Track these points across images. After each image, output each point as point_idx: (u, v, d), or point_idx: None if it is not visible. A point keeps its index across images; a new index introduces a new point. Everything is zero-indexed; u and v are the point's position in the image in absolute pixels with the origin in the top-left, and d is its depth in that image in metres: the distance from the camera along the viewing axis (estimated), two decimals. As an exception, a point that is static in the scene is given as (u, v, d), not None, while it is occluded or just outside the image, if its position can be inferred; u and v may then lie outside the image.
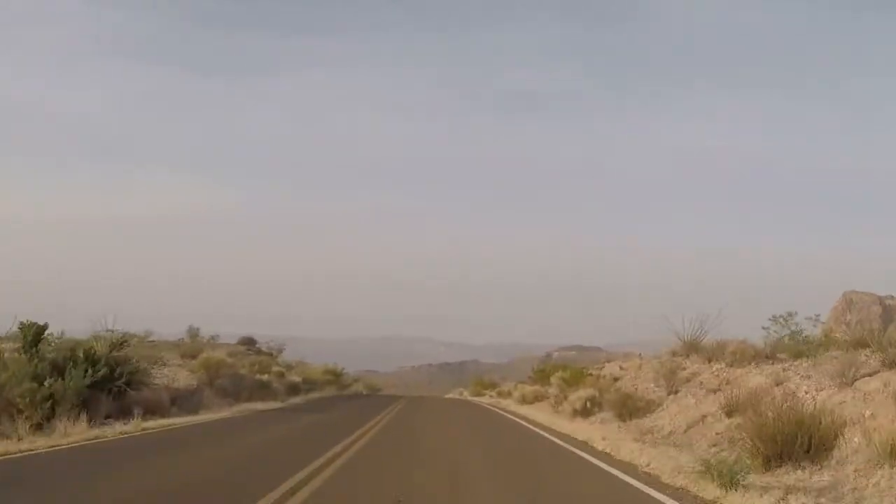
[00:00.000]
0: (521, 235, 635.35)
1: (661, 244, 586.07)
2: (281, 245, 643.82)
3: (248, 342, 52.84)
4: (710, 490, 10.59)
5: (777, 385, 19.28)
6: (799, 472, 12.10)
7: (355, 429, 19.44)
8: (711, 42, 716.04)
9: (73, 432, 16.15)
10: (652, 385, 28.78)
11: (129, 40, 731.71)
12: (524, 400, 38.15)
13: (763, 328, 27.57)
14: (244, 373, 36.06)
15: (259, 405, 28.87)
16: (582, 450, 17.12)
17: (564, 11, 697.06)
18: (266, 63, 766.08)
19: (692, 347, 30.33)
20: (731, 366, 25.48)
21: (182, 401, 27.58)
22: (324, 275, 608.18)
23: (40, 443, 14.82)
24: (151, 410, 23.71)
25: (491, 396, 60.32)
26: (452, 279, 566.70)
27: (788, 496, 10.30)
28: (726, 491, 10.42)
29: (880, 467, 11.34)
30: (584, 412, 28.25)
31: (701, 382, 25.27)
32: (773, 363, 23.12)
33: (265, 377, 37.11)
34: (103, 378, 20.79)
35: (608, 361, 40.75)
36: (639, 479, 12.00)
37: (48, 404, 17.73)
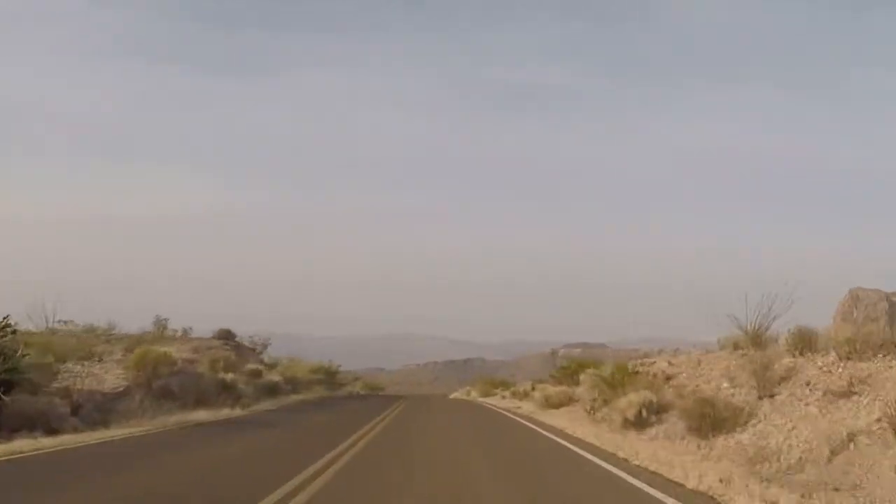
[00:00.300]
0: (525, 233, 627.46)
1: (664, 242, 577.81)
2: (285, 244, 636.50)
3: (226, 336, 45.33)
4: None
5: None
6: None
7: (309, 460, 11.93)
8: (713, 40, 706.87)
9: None
10: (725, 384, 21.37)
11: (130, 39, 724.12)
12: (548, 403, 30.66)
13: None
14: (202, 371, 28.65)
15: (202, 415, 21.27)
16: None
17: (565, 11, 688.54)
18: (266, 62, 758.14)
19: (755, 340, 23.58)
20: (848, 358, 18.09)
21: (99, 408, 20.13)
22: (329, 273, 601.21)
23: None
24: (32, 424, 16.33)
25: (503, 397, 52.75)
26: (457, 277, 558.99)
27: None
28: None
29: None
30: (639, 422, 20.75)
31: (808, 381, 17.79)
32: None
33: (230, 377, 29.64)
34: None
35: (644, 357, 33.08)
36: None
37: None
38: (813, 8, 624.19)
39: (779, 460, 13.72)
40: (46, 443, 14.06)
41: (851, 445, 13.01)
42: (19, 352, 17.50)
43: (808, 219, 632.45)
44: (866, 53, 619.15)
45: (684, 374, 25.94)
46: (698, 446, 16.91)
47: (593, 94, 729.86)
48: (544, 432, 20.43)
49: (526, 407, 34.14)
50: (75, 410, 18.20)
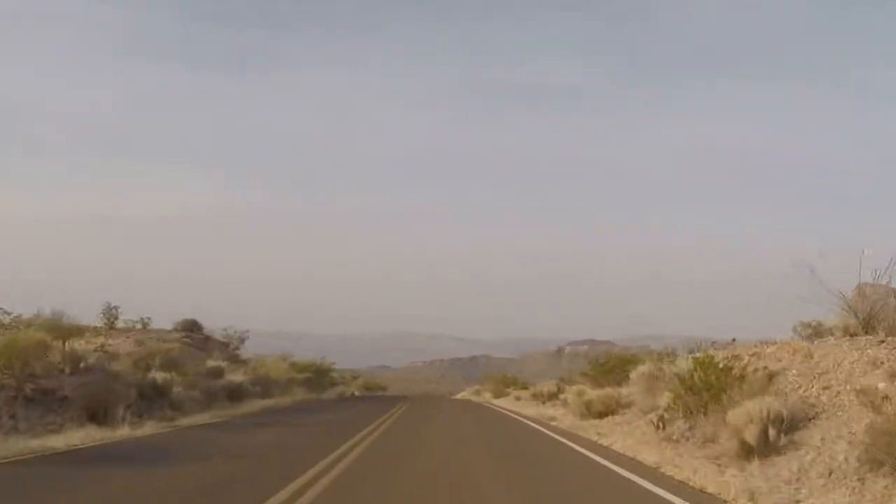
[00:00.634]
0: (528, 231, 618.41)
1: (668, 240, 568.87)
2: (288, 243, 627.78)
3: (190, 327, 37.42)
4: None
5: None
6: None
7: None
8: (717, 37, 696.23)
9: None
10: (881, 385, 13.46)
11: (129, 38, 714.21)
12: (589, 410, 22.66)
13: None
14: (120, 370, 20.73)
15: (57, 441, 13.21)
16: None
17: (565, 9, 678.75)
18: (267, 61, 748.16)
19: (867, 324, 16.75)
20: None
21: None
22: (331, 272, 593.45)
23: None
24: None
25: (517, 398, 44.68)
26: (462, 275, 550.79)
27: None
28: None
29: None
30: (762, 448, 12.72)
31: None
32: None
33: (165, 377, 21.62)
34: None
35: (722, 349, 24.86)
36: None
37: None
38: (814, 6, 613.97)
39: None
40: None
41: None
42: None
43: (811, 217, 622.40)
44: (878, 46, 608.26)
45: (794, 372, 17.93)
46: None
47: (595, 93, 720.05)
48: (623, 471, 12.14)
49: (554, 413, 26.19)
50: None
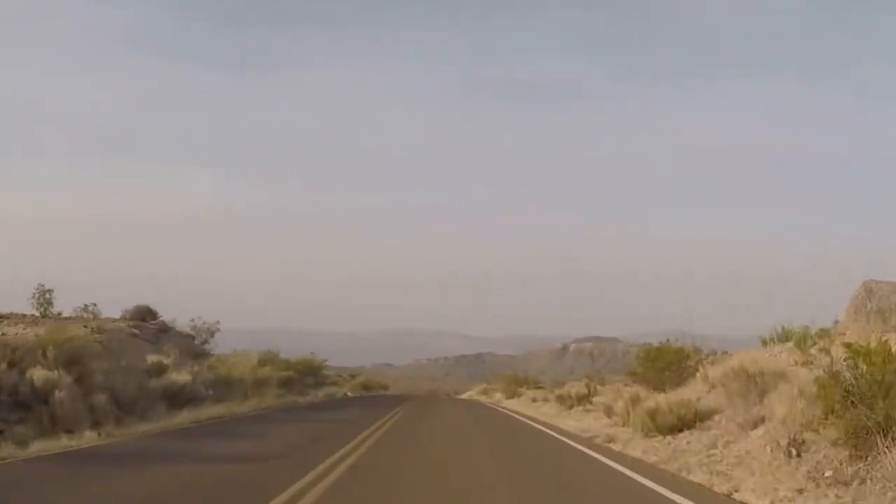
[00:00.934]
0: (532, 228, 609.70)
1: (673, 238, 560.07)
2: (291, 241, 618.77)
3: (142, 316, 30.45)
4: None
5: None
6: None
7: None
8: (722, 33, 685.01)
9: None
10: None
11: (130, 37, 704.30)
12: (654, 423, 15.69)
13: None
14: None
15: None
16: None
17: (566, 6, 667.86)
18: (268, 59, 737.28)
19: None
20: None
21: None
22: (335, 270, 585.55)
23: None
24: None
25: (534, 401, 37.77)
26: (467, 272, 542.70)
27: None
28: None
29: None
30: None
31: None
32: None
33: (53, 376, 14.71)
34: None
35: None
36: None
37: None
38: (814, 5, 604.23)
39: None
40: None
41: None
42: None
43: (812, 215, 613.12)
44: (885, 41, 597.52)
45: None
46: None
47: (595, 91, 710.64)
48: None
49: (597, 426, 19.21)
50: None
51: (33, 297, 28.54)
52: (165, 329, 30.94)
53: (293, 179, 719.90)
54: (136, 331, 28.06)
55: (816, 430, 11.18)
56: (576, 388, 27.87)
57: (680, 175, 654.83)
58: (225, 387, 25.20)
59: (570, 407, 26.85)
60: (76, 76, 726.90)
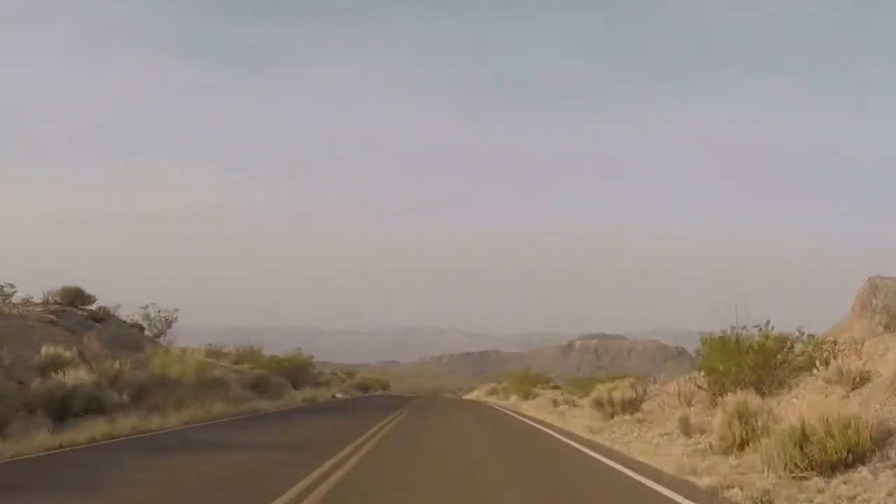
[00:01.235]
0: (536, 226, 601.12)
1: (677, 235, 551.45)
2: (295, 239, 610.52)
3: (71, 300, 23.81)
4: None
5: None
6: None
7: None
8: (727, 30, 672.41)
9: None
10: None
11: (132, 33, 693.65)
12: (801, 455, 9.21)
13: None
14: None
15: None
16: None
17: (567, 4, 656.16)
18: (272, 56, 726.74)
19: None
20: None
21: None
22: (344, 267, 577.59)
23: None
24: None
25: (555, 404, 31.15)
26: (470, 270, 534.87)
27: None
28: None
29: None
30: None
31: None
32: None
33: None
34: None
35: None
36: None
37: None
38: (815, 4, 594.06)
39: None
40: None
41: None
42: None
43: (817, 211, 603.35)
44: (889, 39, 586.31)
45: None
46: None
47: (603, 87, 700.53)
48: None
49: (680, 455, 12.57)
50: None
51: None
52: (100, 318, 24.27)
53: (294, 175, 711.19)
54: (53, 317, 21.38)
55: None
56: (619, 390, 21.07)
57: (682, 174, 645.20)
58: (159, 390, 18.59)
59: (612, 416, 20.21)
60: (76, 73, 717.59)
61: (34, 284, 26.48)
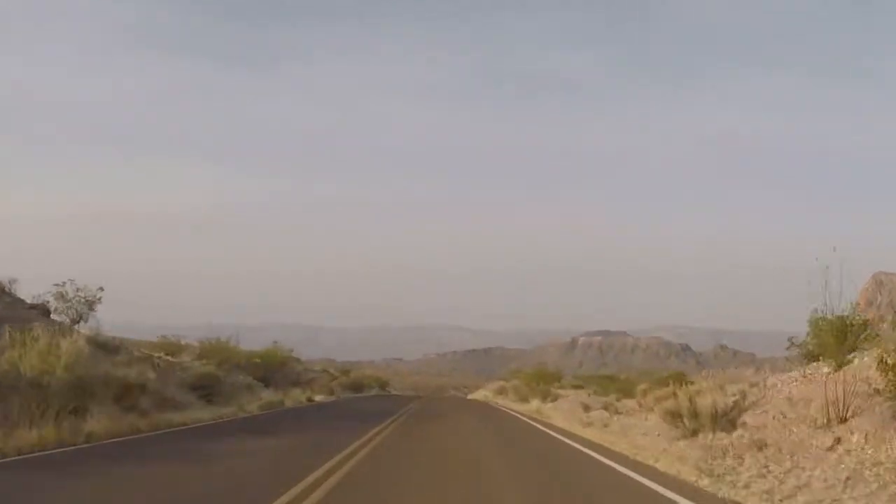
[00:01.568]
0: (541, 223, 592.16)
1: (680, 234, 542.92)
2: (298, 237, 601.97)
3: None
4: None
5: None
6: None
7: None
8: (733, 27, 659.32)
9: None
10: None
11: (138, 32, 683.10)
12: None
13: None
14: None
15: None
16: None
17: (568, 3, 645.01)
18: (275, 54, 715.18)
19: None
20: None
21: None
22: (350, 265, 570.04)
23: None
24: None
25: (587, 410, 24.15)
26: (475, 267, 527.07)
27: None
28: None
29: None
30: None
31: None
32: None
33: None
34: None
35: None
36: None
37: None
38: (815, 3, 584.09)
39: None
40: None
41: None
42: None
43: (814, 211, 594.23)
44: (872, 44, 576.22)
45: None
46: None
47: (609, 82, 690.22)
48: None
49: None
50: None
51: None
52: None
53: (294, 175, 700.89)
54: None
55: None
56: (702, 393, 13.94)
57: (683, 173, 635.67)
58: (12, 395, 11.64)
59: (694, 433, 13.24)
60: (76, 72, 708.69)
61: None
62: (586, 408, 24.91)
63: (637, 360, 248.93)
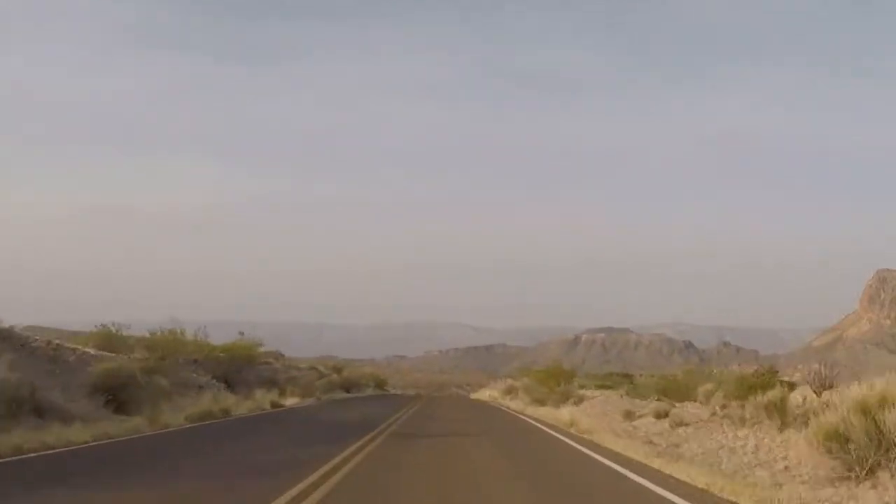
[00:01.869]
0: (542, 222, 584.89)
1: (682, 231, 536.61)
2: (301, 235, 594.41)
3: None
4: None
5: None
6: None
7: None
8: (734, 26, 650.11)
9: None
10: None
11: (139, 30, 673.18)
12: None
13: None
14: None
15: None
16: None
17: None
18: (275, 53, 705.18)
19: None
20: None
21: None
22: (352, 262, 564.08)
23: None
24: None
25: (631, 418, 18.16)
26: (477, 264, 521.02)
27: None
28: None
29: None
30: None
31: None
32: None
33: None
34: None
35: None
36: None
37: None
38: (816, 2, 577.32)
39: None
40: None
41: None
42: None
43: (815, 209, 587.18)
44: (873, 40, 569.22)
45: None
46: None
47: (610, 80, 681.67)
48: None
49: None
50: None
51: None
52: None
53: (295, 173, 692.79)
54: None
55: None
56: (890, 400, 8.11)
57: (685, 171, 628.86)
58: None
59: (871, 471, 7.38)
60: (76, 72, 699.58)
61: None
62: (628, 415, 18.93)
63: (640, 357, 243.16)
